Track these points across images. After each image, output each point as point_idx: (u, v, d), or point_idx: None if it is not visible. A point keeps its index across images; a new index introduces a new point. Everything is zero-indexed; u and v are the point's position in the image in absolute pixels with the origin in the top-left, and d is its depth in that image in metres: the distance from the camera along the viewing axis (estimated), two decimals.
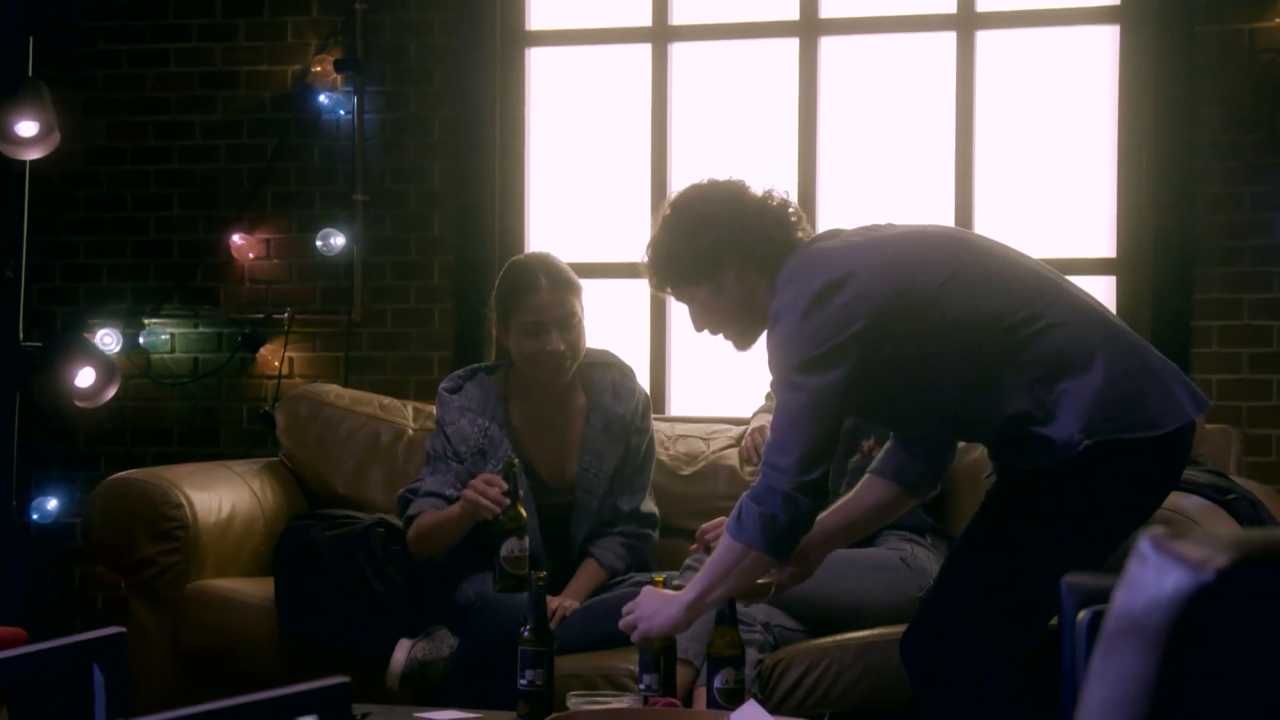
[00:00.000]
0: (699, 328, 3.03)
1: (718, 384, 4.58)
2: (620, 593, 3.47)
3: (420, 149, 4.73)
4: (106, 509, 3.84)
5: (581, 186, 4.76)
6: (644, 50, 4.68)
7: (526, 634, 2.96)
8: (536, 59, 4.78)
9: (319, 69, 4.73)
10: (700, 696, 3.10)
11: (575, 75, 4.77)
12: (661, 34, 4.66)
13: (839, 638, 3.36)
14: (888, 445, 3.09)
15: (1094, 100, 4.44)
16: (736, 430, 4.12)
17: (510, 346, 3.63)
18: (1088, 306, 2.83)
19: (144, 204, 4.90)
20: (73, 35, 4.92)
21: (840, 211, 4.38)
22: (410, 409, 4.33)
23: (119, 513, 3.82)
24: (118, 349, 4.80)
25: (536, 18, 4.77)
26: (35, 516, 4.85)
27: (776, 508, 2.76)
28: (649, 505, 3.73)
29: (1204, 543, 0.89)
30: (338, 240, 4.71)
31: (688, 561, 3.45)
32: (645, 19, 4.67)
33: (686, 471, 4.04)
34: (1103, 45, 4.43)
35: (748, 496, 2.81)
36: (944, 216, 4.40)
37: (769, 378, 2.88)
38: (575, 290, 3.59)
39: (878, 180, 4.56)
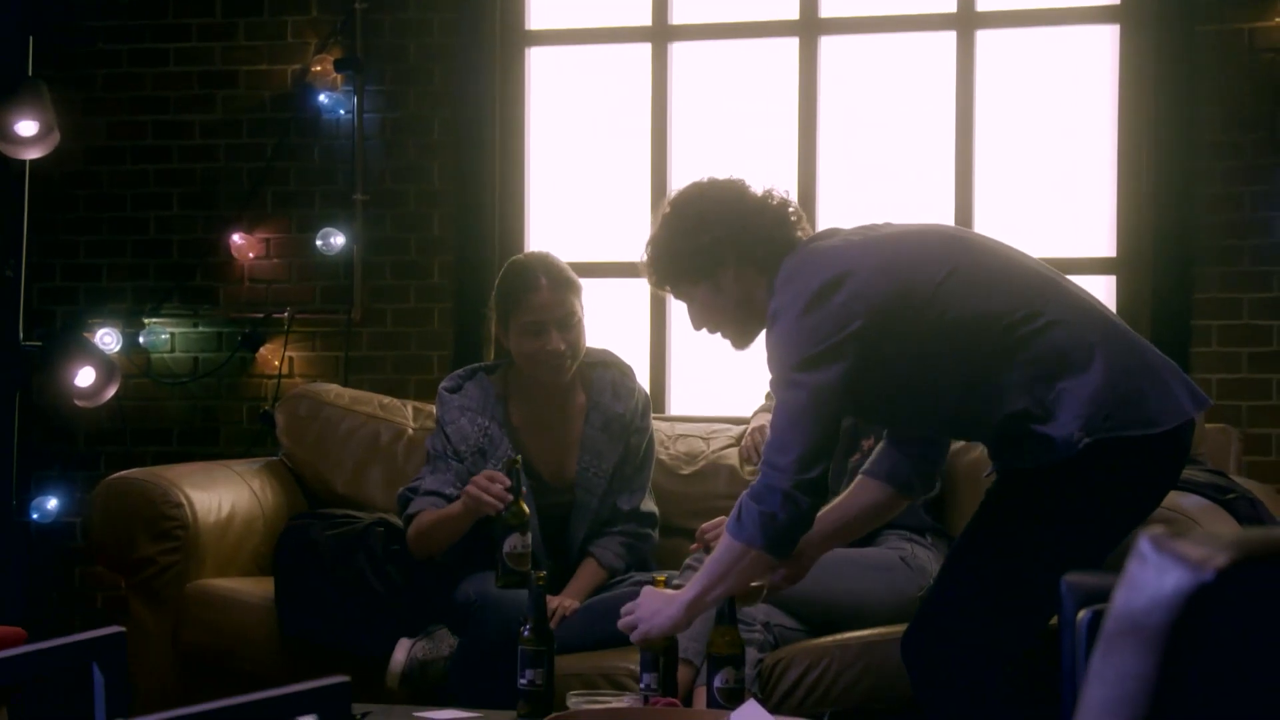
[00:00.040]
0: (698, 326, 3.03)
1: (717, 383, 4.58)
2: (620, 592, 3.47)
3: (420, 148, 4.73)
4: (106, 508, 3.84)
5: (581, 186, 4.76)
6: (644, 50, 4.68)
7: (526, 633, 2.96)
8: (536, 59, 4.78)
9: (319, 68, 4.73)
10: (700, 696, 3.10)
11: (575, 75, 4.77)
12: (661, 33, 4.66)
13: (839, 637, 3.36)
14: (880, 446, 3.09)
15: (1094, 100, 4.44)
16: (736, 430, 4.12)
17: (510, 346, 3.63)
18: (1087, 305, 2.83)
19: (144, 203, 4.90)
20: (72, 35, 4.92)
21: (840, 211, 4.38)
22: (410, 408, 4.33)
23: (119, 512, 3.82)
24: (118, 348, 4.80)
25: (536, 17, 4.77)
26: (35, 516, 4.85)
27: (776, 506, 2.76)
28: (649, 505, 3.73)
29: (1204, 542, 0.89)
30: (337, 240, 4.71)
31: (688, 561, 3.45)
32: (645, 18, 4.67)
33: (686, 471, 4.04)
34: (1103, 45, 4.43)
35: (747, 495, 2.81)
36: (944, 216, 4.40)
37: (769, 377, 2.88)
38: (575, 290, 3.59)
39: (878, 180, 4.56)
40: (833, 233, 2.98)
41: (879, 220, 3.00)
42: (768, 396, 3.96)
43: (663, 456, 3.98)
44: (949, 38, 4.48)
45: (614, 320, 4.56)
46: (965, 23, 4.47)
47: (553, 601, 3.42)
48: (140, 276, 4.90)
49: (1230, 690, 0.89)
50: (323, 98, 4.74)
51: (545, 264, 3.60)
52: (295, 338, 4.79)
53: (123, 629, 2.02)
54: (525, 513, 3.21)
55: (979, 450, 3.61)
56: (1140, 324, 4.15)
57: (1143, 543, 0.91)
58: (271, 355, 4.79)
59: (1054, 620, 2.70)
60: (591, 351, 3.68)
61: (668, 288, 3.04)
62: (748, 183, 2.99)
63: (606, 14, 4.73)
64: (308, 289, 4.80)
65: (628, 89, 4.71)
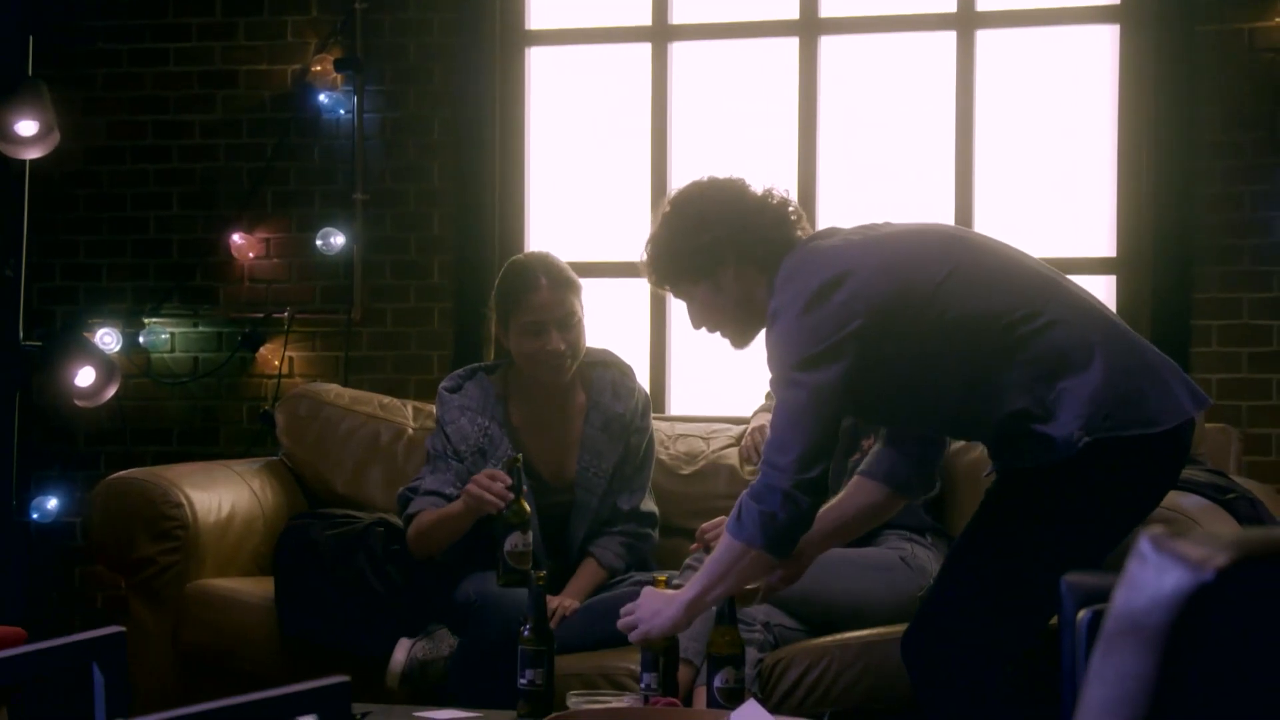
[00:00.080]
0: (697, 325, 3.04)
1: (718, 383, 4.58)
2: (620, 592, 3.47)
3: (420, 148, 4.73)
4: (106, 508, 3.84)
5: (581, 186, 4.76)
6: (644, 49, 4.68)
7: (526, 633, 2.97)
8: (536, 58, 4.78)
9: (319, 68, 4.73)
10: (700, 696, 3.10)
11: (575, 75, 4.77)
12: (661, 33, 4.66)
13: (839, 637, 3.36)
14: (877, 447, 3.09)
15: (1094, 100, 4.44)
16: (736, 429, 4.12)
17: (510, 346, 3.63)
18: (1087, 305, 2.83)
19: (144, 203, 4.90)
20: (72, 34, 4.92)
21: (840, 211, 4.38)
22: (410, 408, 4.33)
23: (119, 512, 3.82)
24: (117, 348, 4.80)
25: (536, 17, 4.77)
26: (35, 516, 4.85)
27: (776, 506, 2.76)
28: (649, 504, 3.73)
29: (1204, 542, 0.89)
30: (337, 239, 4.71)
31: (688, 561, 3.45)
32: (645, 18, 4.67)
33: (686, 471, 4.04)
34: (1103, 45, 4.43)
35: (747, 495, 2.81)
36: (944, 216, 4.40)
37: (769, 377, 2.88)
38: (575, 289, 3.59)
39: (878, 180, 4.56)
40: (832, 232, 2.98)
41: (879, 220, 3.00)
42: (768, 396, 3.96)
43: (663, 456, 3.98)
44: (949, 37, 4.48)
45: (614, 320, 4.55)
46: (965, 22, 4.47)
47: (553, 601, 3.42)
48: (140, 276, 4.90)
49: (1230, 690, 0.89)
50: (323, 97, 4.74)
51: (545, 264, 3.60)
52: (295, 337, 4.79)
53: (123, 629, 2.02)
54: (526, 511, 3.21)
55: (979, 450, 3.61)
56: (1140, 324, 4.15)
57: (1143, 542, 0.91)
58: (271, 355, 4.79)
59: (1054, 620, 2.70)
60: (591, 351, 3.68)
61: (668, 287, 3.04)
62: (748, 182, 2.99)
63: (606, 14, 4.73)
64: (308, 289, 4.80)
65: (628, 89, 4.71)
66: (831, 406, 2.76)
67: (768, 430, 2.87)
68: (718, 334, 3.03)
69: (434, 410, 3.80)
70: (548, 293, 3.54)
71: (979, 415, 2.79)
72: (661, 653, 2.94)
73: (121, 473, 3.95)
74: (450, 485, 3.53)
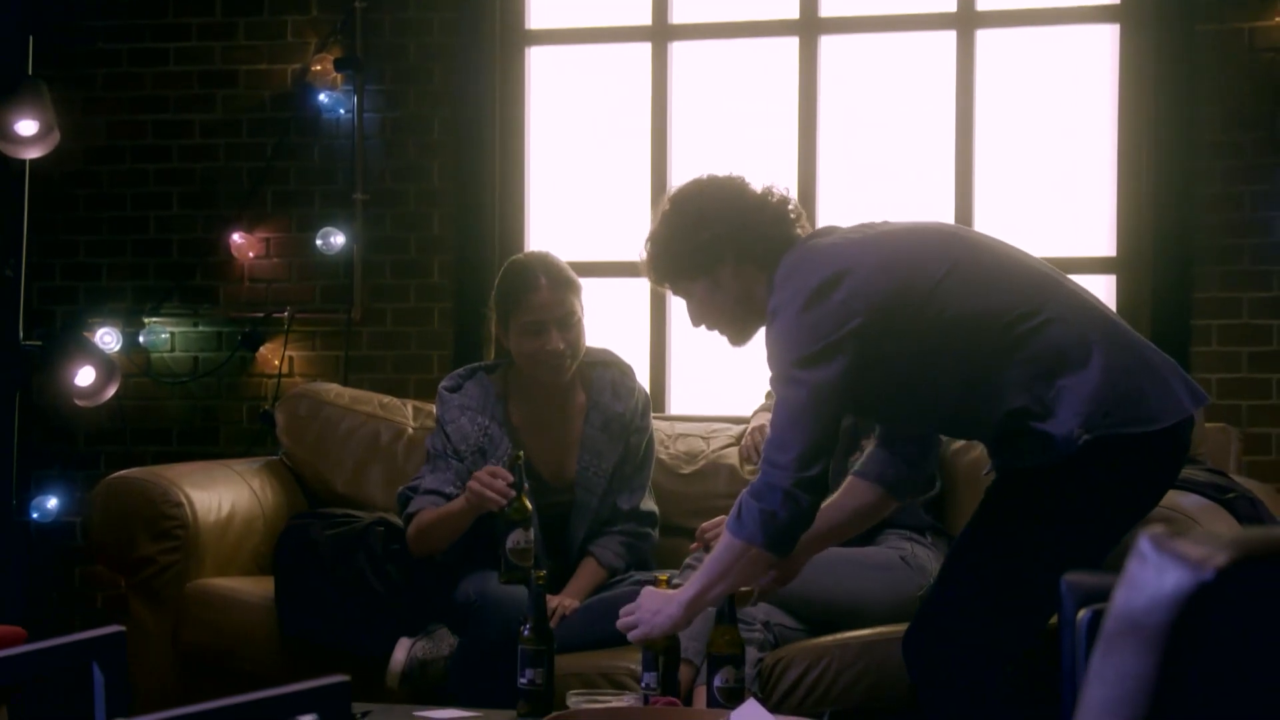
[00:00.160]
0: (696, 323, 3.04)
1: (718, 383, 4.58)
2: (620, 591, 3.47)
3: (420, 148, 4.73)
4: (106, 508, 3.84)
5: (581, 185, 4.76)
6: (644, 49, 4.68)
7: (526, 633, 2.97)
8: (536, 58, 4.78)
9: (319, 68, 4.73)
10: (700, 695, 3.10)
11: (575, 74, 4.77)
12: (661, 33, 4.66)
13: (839, 636, 3.36)
14: (871, 448, 3.09)
15: (1094, 99, 4.44)
16: (736, 429, 4.12)
17: (510, 346, 3.62)
18: (1086, 303, 2.83)
19: (144, 203, 4.90)
20: (72, 34, 4.92)
21: (840, 211, 4.38)
22: (410, 408, 4.33)
23: (119, 512, 3.82)
24: (117, 348, 4.80)
25: (536, 17, 4.77)
26: (35, 515, 4.85)
27: (777, 504, 2.76)
28: (649, 504, 3.73)
29: (1204, 541, 0.89)
30: (337, 239, 4.71)
31: (687, 560, 3.45)
32: (645, 18, 4.67)
33: (686, 470, 4.04)
34: (1102, 44, 4.43)
35: (748, 493, 2.81)
36: (944, 215, 4.40)
37: (769, 375, 2.88)
38: (575, 289, 3.59)
39: (878, 179, 4.56)
40: (831, 230, 2.98)
41: (877, 219, 3.01)
42: (768, 396, 3.96)
43: (663, 456, 3.98)
44: (949, 37, 4.49)
45: (614, 320, 4.56)
46: (965, 22, 4.47)
47: (553, 601, 3.42)
48: (140, 276, 4.90)
49: (1230, 690, 0.89)
50: (323, 97, 4.74)
51: (545, 263, 3.60)
52: (295, 337, 4.79)
53: (123, 628, 2.02)
54: (528, 508, 3.21)
55: (979, 450, 3.61)
56: (1140, 323, 4.15)
57: (1143, 542, 0.91)
58: (271, 355, 4.79)
59: (1054, 620, 2.70)
60: (591, 351, 3.68)
61: (667, 284, 3.04)
62: (747, 180, 2.99)
63: (606, 13, 4.73)
64: (308, 288, 4.80)
65: (628, 88, 4.71)
66: (831, 404, 2.76)
67: (768, 429, 2.87)
68: (716, 331, 3.03)
69: (434, 410, 3.80)
70: (547, 292, 3.54)
71: (978, 414, 2.79)
72: (662, 652, 2.94)
73: (121, 472, 3.95)
74: (450, 484, 3.53)
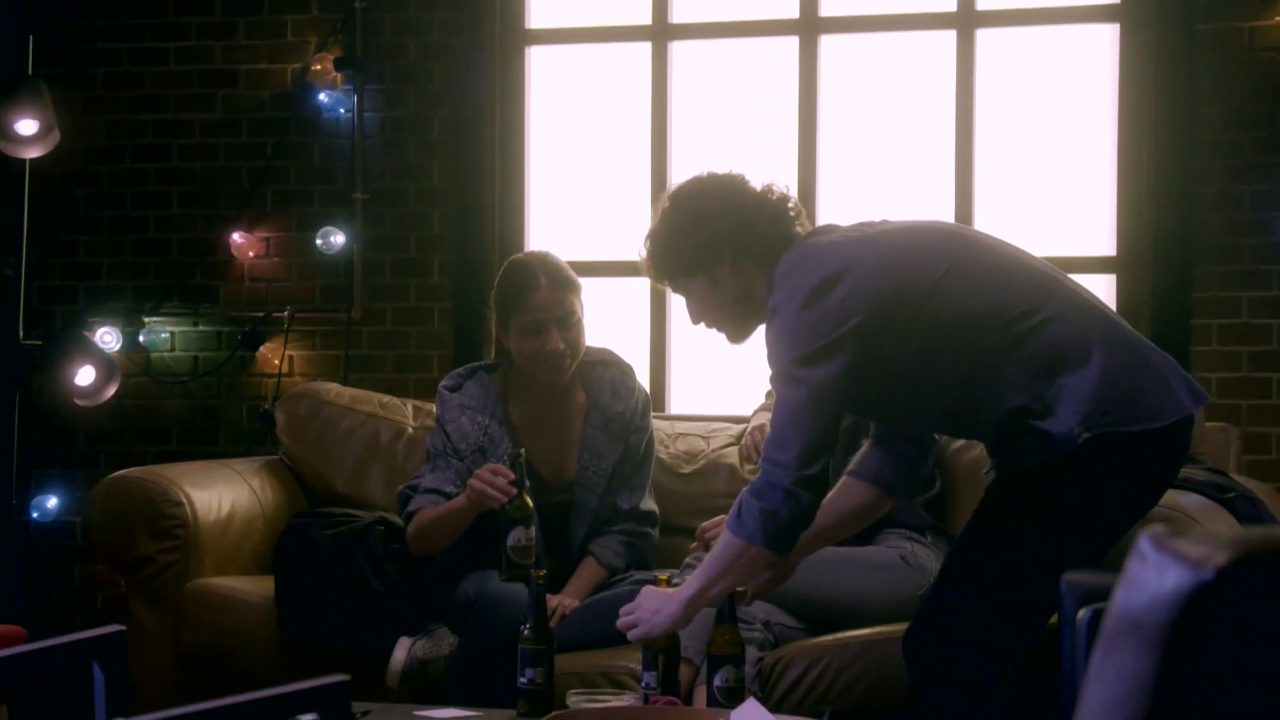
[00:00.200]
0: (695, 320, 3.04)
1: (718, 382, 4.58)
2: (620, 591, 3.47)
3: (420, 147, 4.73)
4: (106, 507, 3.84)
5: (581, 185, 4.76)
6: (644, 48, 4.68)
7: (526, 632, 2.97)
8: (536, 57, 4.78)
9: (319, 67, 4.73)
10: (700, 695, 3.10)
11: (575, 74, 4.77)
12: (661, 32, 4.66)
13: (839, 636, 3.36)
14: (865, 448, 3.09)
15: (1094, 99, 4.44)
16: (736, 429, 4.12)
17: (510, 345, 3.63)
18: (1085, 302, 2.83)
19: (144, 202, 4.90)
20: (72, 34, 4.92)
21: (840, 210, 4.38)
22: (410, 407, 4.33)
23: (119, 511, 3.82)
24: (117, 347, 4.80)
25: (536, 16, 4.77)
26: (35, 515, 4.85)
27: (777, 503, 2.76)
28: (648, 503, 3.73)
29: (1204, 541, 0.89)
30: (337, 239, 4.71)
31: (687, 560, 3.45)
32: (645, 17, 4.67)
33: (686, 470, 4.04)
34: (1102, 44, 4.43)
35: (748, 492, 2.81)
36: (944, 215, 4.40)
37: (769, 373, 2.88)
38: (574, 289, 3.59)
39: (878, 179, 4.56)
40: (830, 228, 2.98)
41: (876, 218, 3.01)
42: (768, 395, 3.96)
43: (663, 455, 3.98)
44: (949, 36, 4.49)
45: (614, 319, 4.56)
46: (965, 21, 4.47)
47: (552, 600, 3.42)
48: (140, 275, 4.90)
49: (1230, 689, 0.89)
50: (323, 96, 4.74)
51: (545, 263, 3.60)
52: (295, 336, 4.79)
53: (123, 628, 2.03)
54: (529, 505, 3.21)
55: (978, 449, 3.61)
56: (1140, 323, 4.15)
57: (1143, 541, 0.91)
58: (271, 354, 4.79)
59: (1054, 619, 2.70)
60: (591, 350, 3.68)
61: (666, 281, 3.05)
62: (747, 177, 2.99)
63: (606, 13, 4.73)
64: (308, 288, 4.80)
65: (628, 88, 4.71)
66: (832, 403, 2.76)
67: (768, 429, 2.87)
68: (715, 329, 3.03)
69: (434, 409, 3.80)
70: (547, 292, 3.54)
71: (978, 412, 2.79)
72: (662, 651, 2.94)
73: (121, 472, 3.95)
74: (450, 483, 3.53)
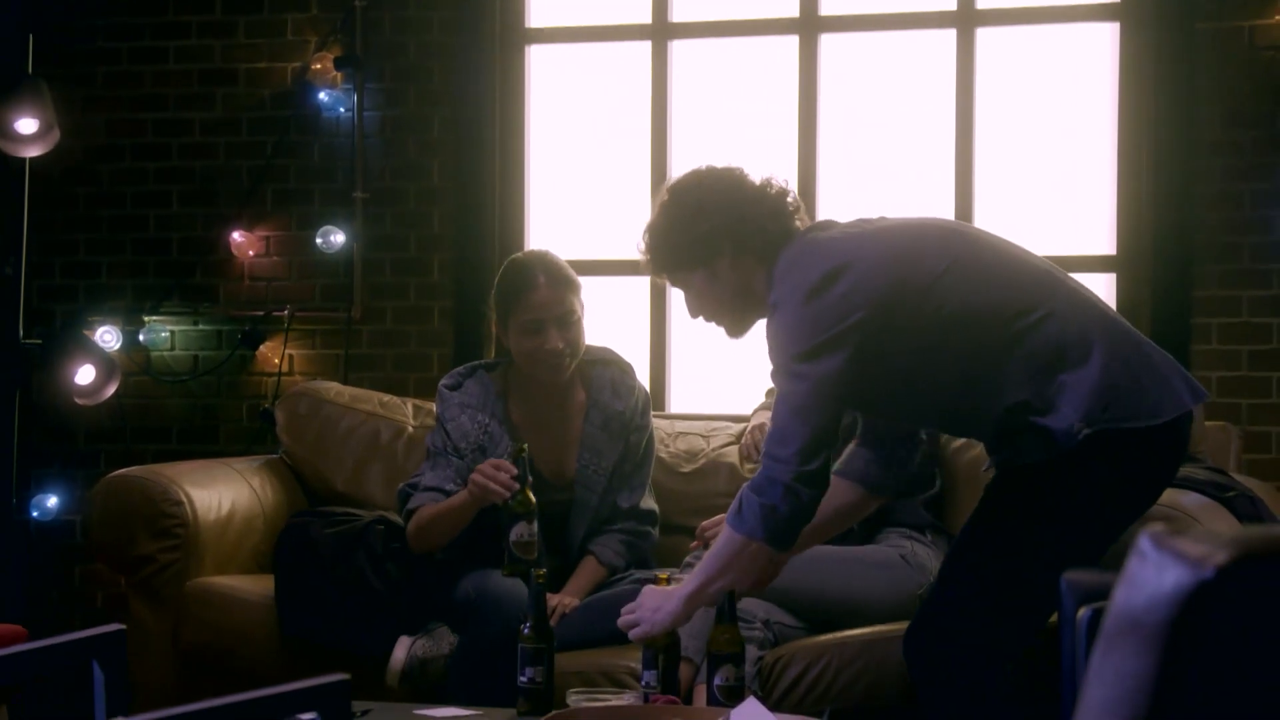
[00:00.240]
0: (694, 314, 3.04)
1: (718, 381, 4.58)
2: (620, 590, 3.47)
3: (420, 146, 4.73)
4: (106, 506, 3.84)
5: (581, 184, 4.76)
6: (644, 47, 4.68)
7: (526, 631, 2.97)
8: (536, 56, 4.78)
9: (319, 66, 4.73)
10: (700, 694, 3.10)
11: (575, 73, 4.77)
12: (661, 31, 4.66)
13: (839, 635, 3.36)
14: (850, 447, 3.09)
15: (1094, 98, 4.44)
16: (736, 428, 4.12)
17: (509, 344, 3.63)
18: (1086, 300, 2.83)
19: (143, 201, 4.90)
20: (72, 33, 4.92)
21: (840, 209, 4.37)
22: (410, 406, 4.33)
23: (119, 510, 3.82)
24: (117, 346, 4.80)
25: (536, 15, 4.77)
26: (35, 514, 4.85)
27: (778, 499, 2.76)
28: (648, 502, 3.73)
29: (1204, 540, 0.89)
30: (337, 238, 4.71)
31: (687, 559, 3.45)
32: (645, 16, 4.67)
33: (686, 469, 4.04)
34: (1102, 43, 4.43)
35: (748, 487, 2.81)
36: (944, 214, 4.39)
37: (770, 369, 2.88)
38: (574, 288, 3.59)
39: (878, 178, 4.56)
40: (830, 224, 2.98)
41: (872, 215, 3.01)
42: (768, 394, 3.96)
43: (663, 454, 3.98)
44: (949, 35, 4.48)
45: (614, 318, 4.55)
46: (965, 20, 4.47)
47: (553, 599, 3.42)
48: (140, 274, 4.90)
49: (1230, 689, 0.89)
50: (323, 95, 4.74)
51: (544, 262, 3.60)
52: (295, 335, 4.79)
53: (123, 627, 2.02)
54: (531, 501, 3.22)
55: (978, 448, 3.61)
56: (1140, 321, 4.15)
57: (1143, 540, 0.91)
58: (271, 353, 4.79)
59: (1054, 618, 2.70)
60: (591, 349, 3.68)
61: (665, 275, 3.05)
62: (746, 171, 2.99)
63: (606, 12, 4.73)
64: (308, 287, 4.80)
65: (628, 87, 4.71)
66: (833, 398, 2.76)
67: (768, 427, 2.87)
68: (714, 323, 3.03)
69: (434, 408, 3.80)
70: (546, 291, 3.54)
71: (978, 409, 2.79)
72: (662, 650, 2.94)
73: (121, 471, 3.95)
74: (450, 481, 3.53)
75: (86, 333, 4.77)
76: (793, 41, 4.58)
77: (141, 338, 4.84)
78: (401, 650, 3.48)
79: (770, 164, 3.04)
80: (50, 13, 4.91)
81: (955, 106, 4.46)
